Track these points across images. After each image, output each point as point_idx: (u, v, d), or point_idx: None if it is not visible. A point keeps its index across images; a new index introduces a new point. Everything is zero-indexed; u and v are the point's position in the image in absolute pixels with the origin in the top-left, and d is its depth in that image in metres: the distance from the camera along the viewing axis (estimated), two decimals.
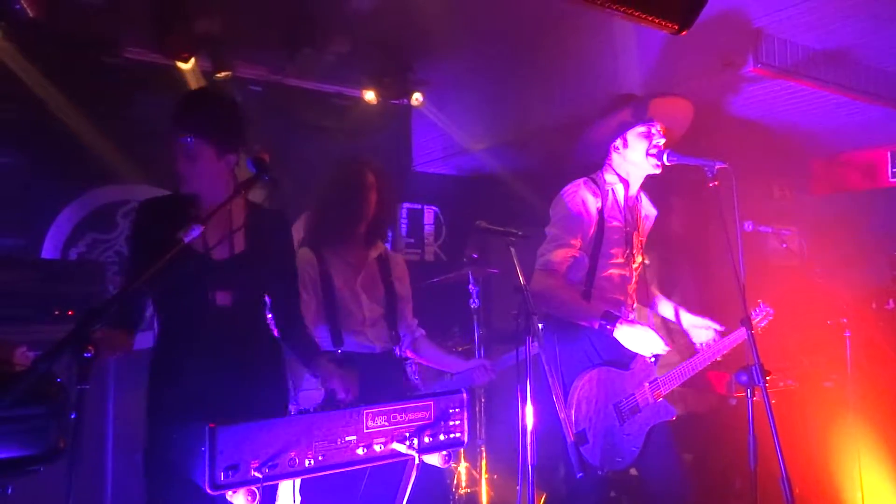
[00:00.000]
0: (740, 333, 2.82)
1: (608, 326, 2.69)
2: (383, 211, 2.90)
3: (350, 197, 2.78)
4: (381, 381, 2.70)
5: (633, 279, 2.99)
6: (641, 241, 3.03)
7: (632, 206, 2.98)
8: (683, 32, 1.33)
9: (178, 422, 1.73)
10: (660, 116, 2.89)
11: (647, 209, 3.07)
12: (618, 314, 2.73)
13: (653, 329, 2.74)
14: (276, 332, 2.39)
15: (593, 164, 3.02)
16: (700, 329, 2.98)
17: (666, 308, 3.15)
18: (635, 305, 3.03)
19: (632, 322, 2.72)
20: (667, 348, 2.70)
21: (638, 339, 2.68)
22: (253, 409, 1.94)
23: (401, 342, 2.86)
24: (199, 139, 2.14)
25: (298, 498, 1.60)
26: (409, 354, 2.94)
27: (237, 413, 1.60)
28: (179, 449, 1.55)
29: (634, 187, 2.96)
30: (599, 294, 2.86)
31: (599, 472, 2.75)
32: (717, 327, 2.94)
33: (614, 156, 2.94)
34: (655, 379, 2.82)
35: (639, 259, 3.00)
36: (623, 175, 2.93)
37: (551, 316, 2.92)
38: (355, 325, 2.75)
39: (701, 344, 2.94)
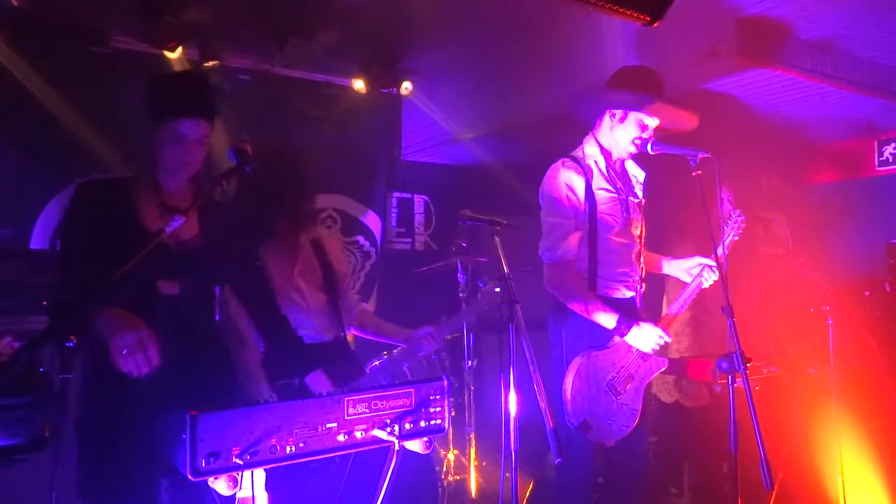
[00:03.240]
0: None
1: (622, 331, 2.77)
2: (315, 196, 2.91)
3: (293, 185, 2.70)
4: (333, 369, 2.62)
5: (638, 246, 2.99)
6: (639, 203, 3.04)
7: (619, 171, 2.99)
8: (655, 24, 1.34)
9: (122, 415, 1.72)
10: (664, 118, 2.92)
11: (635, 171, 3.07)
12: (630, 322, 2.78)
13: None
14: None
15: (580, 118, 3.05)
16: (694, 268, 3.04)
17: (668, 266, 3.18)
18: (644, 275, 3.04)
19: (639, 324, 2.79)
20: (668, 339, 2.81)
21: (645, 338, 2.78)
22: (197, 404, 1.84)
23: (347, 326, 2.83)
24: (206, 122, 2.18)
25: (265, 495, 1.60)
26: (353, 332, 2.91)
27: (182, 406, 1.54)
28: (160, 437, 1.57)
29: (615, 157, 2.98)
30: (605, 270, 2.88)
31: (607, 445, 2.86)
32: (706, 261, 2.99)
33: (606, 120, 2.94)
34: None
35: (639, 225, 3.01)
36: (605, 146, 2.96)
37: (556, 303, 2.95)
38: (300, 316, 2.68)
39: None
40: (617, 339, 2.81)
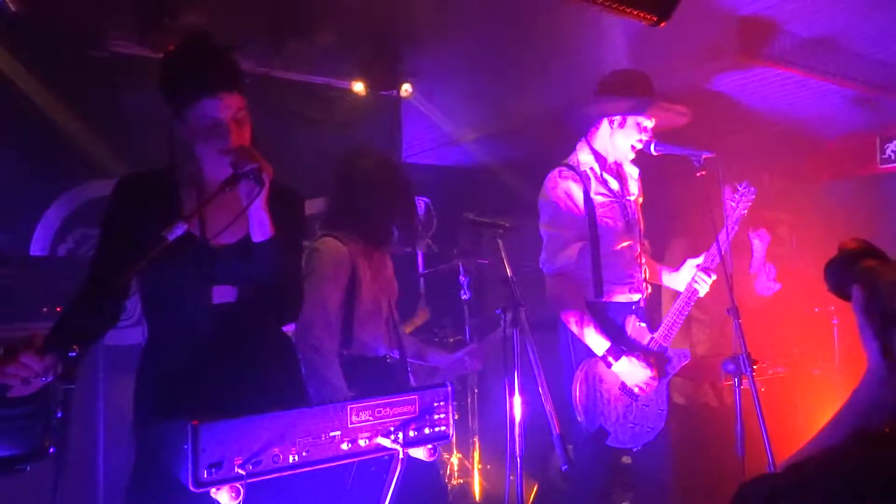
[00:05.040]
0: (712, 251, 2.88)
1: (610, 359, 2.73)
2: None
3: (401, 199, 2.71)
4: (390, 384, 2.66)
5: (639, 246, 2.97)
6: (637, 202, 3.03)
7: (615, 173, 2.98)
8: (662, 24, 1.32)
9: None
10: (660, 118, 2.91)
11: (630, 169, 3.06)
12: (622, 349, 2.74)
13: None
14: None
15: (577, 125, 3.03)
16: (687, 276, 2.96)
17: (668, 278, 3.13)
18: (648, 280, 3.00)
19: (629, 354, 2.75)
20: (652, 375, 2.75)
21: (634, 373, 2.74)
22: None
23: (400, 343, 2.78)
24: (230, 93, 1.83)
25: None
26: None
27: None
28: (163, 447, 1.55)
29: (610, 160, 2.97)
30: (610, 275, 2.86)
31: (634, 449, 2.84)
32: (697, 261, 2.94)
33: (604, 127, 2.92)
34: (651, 338, 2.86)
35: (639, 225, 3.00)
36: (600, 151, 2.94)
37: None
38: (372, 329, 2.64)
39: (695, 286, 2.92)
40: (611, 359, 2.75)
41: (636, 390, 2.78)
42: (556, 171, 2.90)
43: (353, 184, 2.68)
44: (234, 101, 1.85)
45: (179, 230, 1.65)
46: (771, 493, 0.91)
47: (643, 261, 2.99)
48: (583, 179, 2.87)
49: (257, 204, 1.84)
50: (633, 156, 2.92)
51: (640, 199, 3.06)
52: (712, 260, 2.92)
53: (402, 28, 4.39)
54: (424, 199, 6.11)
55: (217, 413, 1.48)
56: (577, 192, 2.84)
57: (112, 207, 1.95)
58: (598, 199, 2.87)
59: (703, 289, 2.90)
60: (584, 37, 3.87)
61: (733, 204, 2.92)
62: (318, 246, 2.60)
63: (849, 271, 1.22)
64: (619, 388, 2.79)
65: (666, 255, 4.34)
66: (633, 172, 3.06)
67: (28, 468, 1.86)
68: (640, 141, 2.87)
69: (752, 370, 2.40)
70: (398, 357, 2.74)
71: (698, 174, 2.63)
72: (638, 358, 2.74)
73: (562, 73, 4.25)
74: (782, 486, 0.91)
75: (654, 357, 2.81)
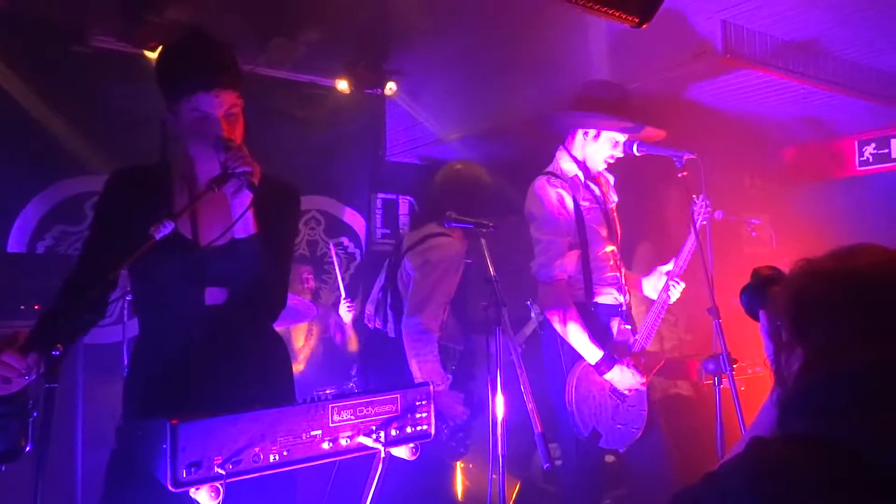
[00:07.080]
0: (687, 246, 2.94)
1: (602, 369, 2.77)
2: None
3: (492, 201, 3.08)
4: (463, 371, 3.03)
5: (618, 250, 3.02)
6: (613, 209, 3.08)
7: (594, 181, 3.02)
8: (644, 26, 1.33)
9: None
10: (634, 133, 2.94)
11: (606, 175, 3.10)
12: (614, 358, 2.78)
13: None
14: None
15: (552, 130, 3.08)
16: (659, 284, 3.02)
17: (645, 285, 3.16)
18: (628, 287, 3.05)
19: (620, 362, 2.80)
20: (643, 380, 2.82)
21: (625, 380, 2.79)
22: None
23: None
24: (226, 90, 1.81)
25: None
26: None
27: None
28: (142, 445, 1.53)
29: (591, 168, 3.00)
30: (598, 277, 2.91)
31: (621, 451, 2.88)
32: (666, 268, 3.00)
33: (578, 137, 2.96)
34: (635, 340, 2.92)
35: (617, 230, 3.06)
36: (579, 159, 2.98)
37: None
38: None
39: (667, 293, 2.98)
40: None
41: (626, 392, 2.81)
42: (544, 179, 2.92)
43: (458, 186, 3.05)
44: (228, 97, 1.82)
45: (167, 229, 1.63)
46: (692, 500, 1.01)
47: (622, 265, 3.03)
48: (571, 187, 2.90)
49: (242, 201, 1.82)
50: (605, 166, 2.97)
51: (617, 205, 3.11)
52: (681, 267, 2.98)
53: (388, 27, 4.38)
54: (408, 197, 6.12)
55: (196, 412, 1.47)
56: (569, 200, 2.89)
57: (102, 201, 1.93)
58: (584, 205, 2.92)
59: (675, 295, 2.98)
60: (566, 38, 3.89)
61: (695, 217, 2.96)
62: (439, 243, 2.89)
63: (758, 297, 1.35)
64: (609, 391, 2.82)
65: (633, 259, 4.36)
66: (609, 179, 3.12)
67: (4, 468, 1.84)
68: (612, 157, 2.92)
69: (732, 369, 2.42)
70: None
71: (680, 175, 2.65)
72: (628, 365, 2.79)
73: (546, 73, 4.26)
74: (699, 493, 1.01)
75: (640, 360, 2.85)
